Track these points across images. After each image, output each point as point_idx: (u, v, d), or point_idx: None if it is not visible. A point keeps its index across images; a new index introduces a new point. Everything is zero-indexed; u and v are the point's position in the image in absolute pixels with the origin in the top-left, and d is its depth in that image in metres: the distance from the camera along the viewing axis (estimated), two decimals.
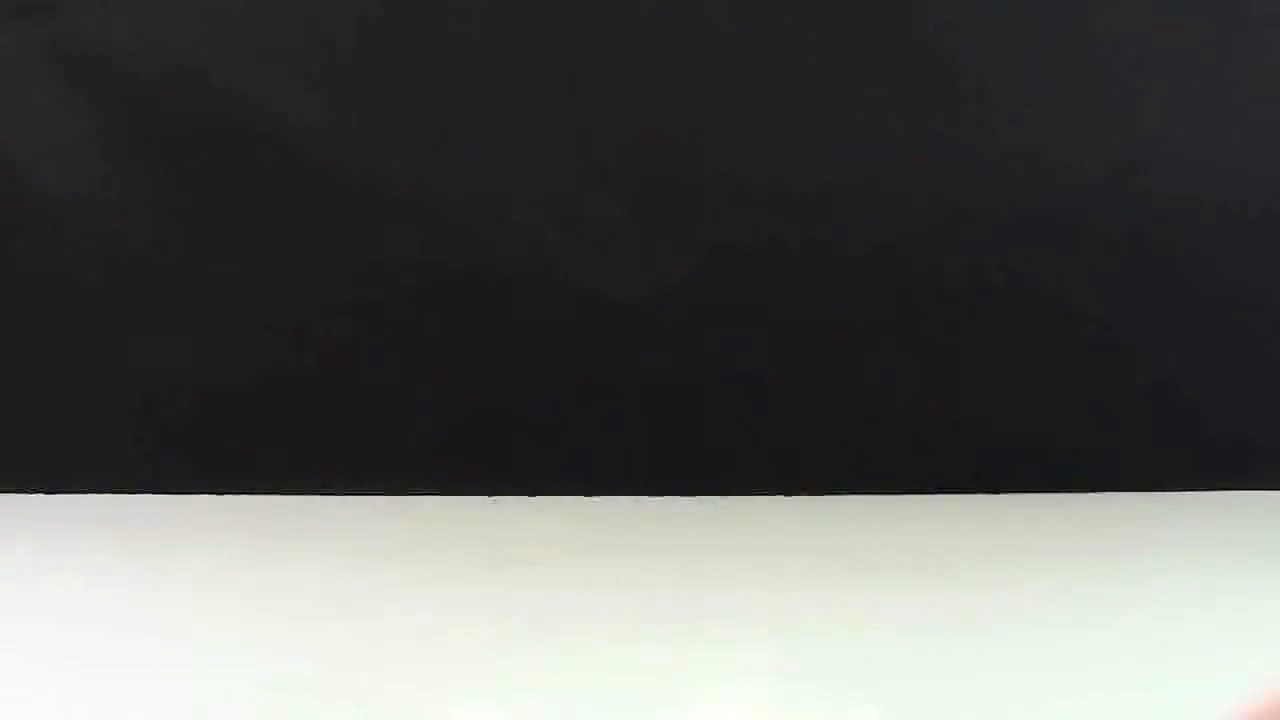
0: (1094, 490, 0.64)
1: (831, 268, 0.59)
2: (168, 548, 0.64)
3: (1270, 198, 0.66)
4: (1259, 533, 0.65)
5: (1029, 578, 0.61)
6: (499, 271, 0.63)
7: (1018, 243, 0.66)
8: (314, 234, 0.67)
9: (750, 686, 0.50)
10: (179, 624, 0.57)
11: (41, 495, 0.68)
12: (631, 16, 0.64)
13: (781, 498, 0.64)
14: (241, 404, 0.69)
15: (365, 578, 0.59)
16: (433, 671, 0.52)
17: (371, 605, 0.57)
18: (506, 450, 0.67)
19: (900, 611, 0.57)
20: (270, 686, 0.53)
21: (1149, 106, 0.65)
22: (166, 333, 0.69)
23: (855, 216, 0.65)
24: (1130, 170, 0.66)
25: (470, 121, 0.65)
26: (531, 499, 0.65)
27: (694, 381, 0.65)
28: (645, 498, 0.64)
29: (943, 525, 0.65)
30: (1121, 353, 0.68)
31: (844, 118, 0.64)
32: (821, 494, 0.63)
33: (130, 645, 0.56)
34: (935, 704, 0.50)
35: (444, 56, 0.64)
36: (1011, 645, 0.55)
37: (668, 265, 0.63)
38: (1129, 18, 0.64)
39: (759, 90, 0.64)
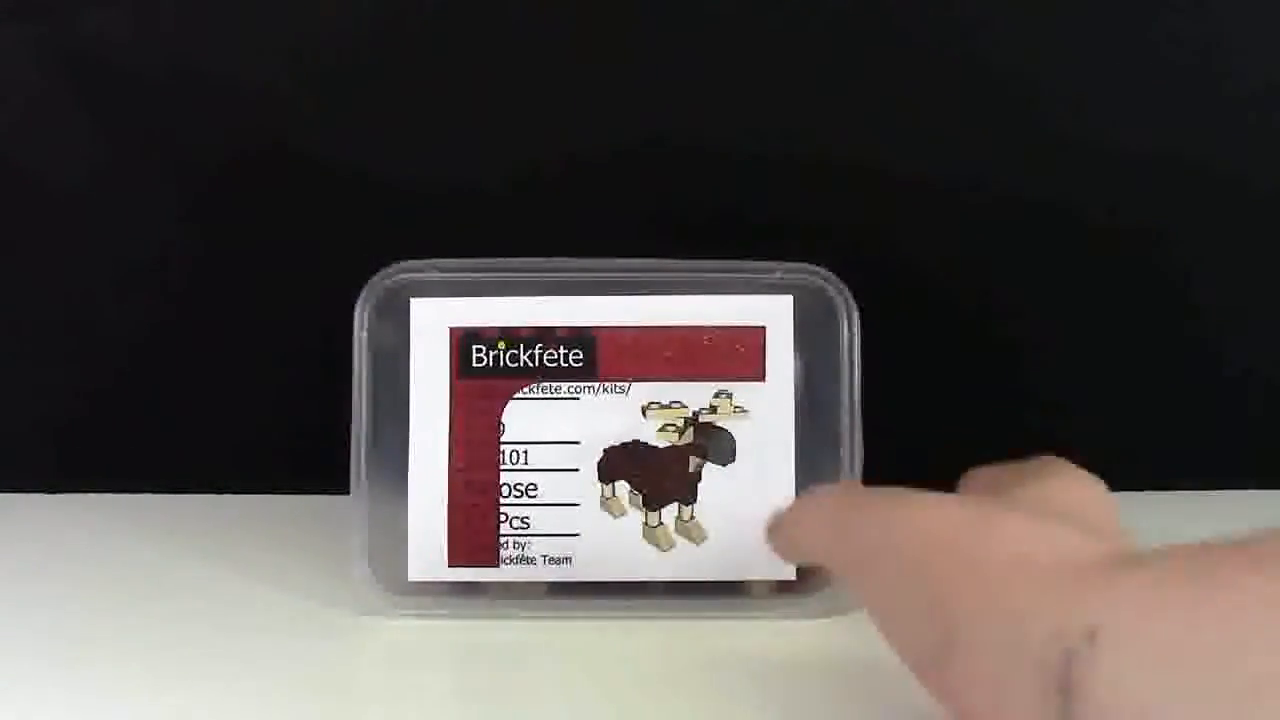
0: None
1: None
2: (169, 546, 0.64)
3: None
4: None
5: None
6: None
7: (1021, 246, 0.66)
8: (317, 234, 0.67)
9: None
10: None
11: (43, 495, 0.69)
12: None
13: None
14: (246, 406, 0.69)
15: None
16: None
17: None
18: None
19: None
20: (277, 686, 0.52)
21: None
22: (168, 332, 0.69)
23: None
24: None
25: (469, 121, 0.66)
26: None
27: None
28: None
29: None
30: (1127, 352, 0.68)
31: None
32: None
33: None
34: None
35: (445, 55, 0.65)
36: None
37: None
38: None
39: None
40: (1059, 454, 0.51)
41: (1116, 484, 0.66)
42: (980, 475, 0.49)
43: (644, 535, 0.57)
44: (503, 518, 0.57)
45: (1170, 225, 0.67)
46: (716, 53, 0.66)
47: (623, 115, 0.66)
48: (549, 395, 0.57)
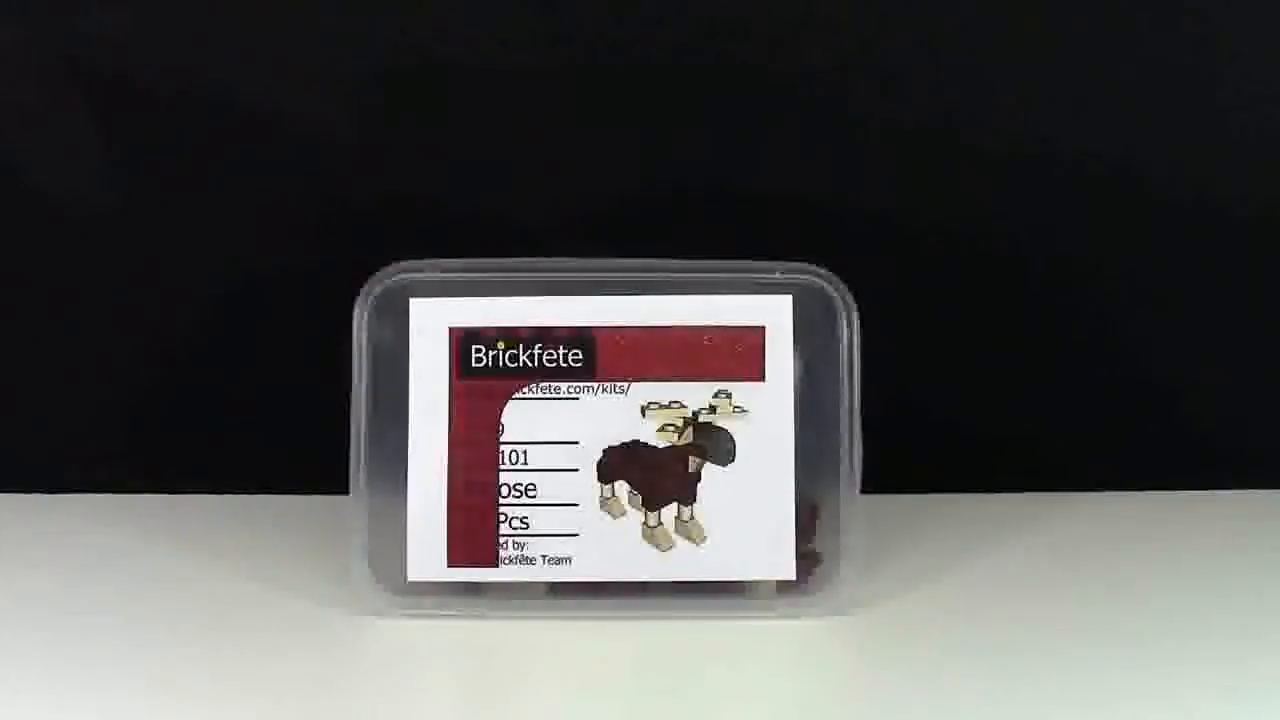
0: (1092, 490, 0.65)
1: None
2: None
3: None
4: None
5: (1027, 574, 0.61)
6: None
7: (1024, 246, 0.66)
8: (317, 233, 0.67)
9: None
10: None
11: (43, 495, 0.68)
12: None
13: None
14: (246, 406, 0.69)
15: None
16: None
17: None
18: None
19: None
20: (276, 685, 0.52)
21: None
22: (167, 331, 0.69)
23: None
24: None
25: (469, 121, 0.66)
26: None
27: None
28: None
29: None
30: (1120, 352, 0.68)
31: None
32: None
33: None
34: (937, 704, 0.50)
35: (446, 55, 0.65)
36: (1007, 644, 0.55)
37: None
38: None
39: None
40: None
41: (1116, 484, 0.67)
42: None
43: (644, 535, 0.57)
44: (502, 518, 0.57)
45: (1171, 224, 0.67)
46: (717, 50, 0.66)
47: (623, 115, 0.66)
48: (548, 395, 0.57)
